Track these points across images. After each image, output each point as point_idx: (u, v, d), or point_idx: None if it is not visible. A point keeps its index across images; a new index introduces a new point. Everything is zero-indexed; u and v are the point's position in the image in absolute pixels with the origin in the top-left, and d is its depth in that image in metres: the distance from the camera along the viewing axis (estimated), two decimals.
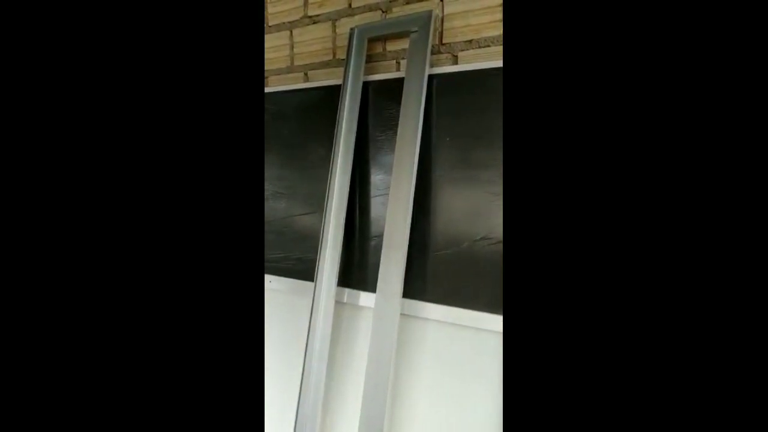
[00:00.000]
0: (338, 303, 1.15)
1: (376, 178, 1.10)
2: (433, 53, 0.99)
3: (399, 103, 1.00)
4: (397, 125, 1.00)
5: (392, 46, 1.08)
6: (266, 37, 1.27)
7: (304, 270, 1.22)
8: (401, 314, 0.99)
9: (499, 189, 0.92)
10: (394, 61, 1.08)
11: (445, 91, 0.98)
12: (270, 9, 1.25)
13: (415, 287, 1.01)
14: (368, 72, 1.10)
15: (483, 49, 0.95)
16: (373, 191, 1.10)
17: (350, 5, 1.12)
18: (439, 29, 0.99)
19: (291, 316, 1.28)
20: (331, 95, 1.13)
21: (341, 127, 1.09)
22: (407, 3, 1.03)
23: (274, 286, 1.29)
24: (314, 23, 1.18)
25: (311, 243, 1.20)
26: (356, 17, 1.11)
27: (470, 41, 0.96)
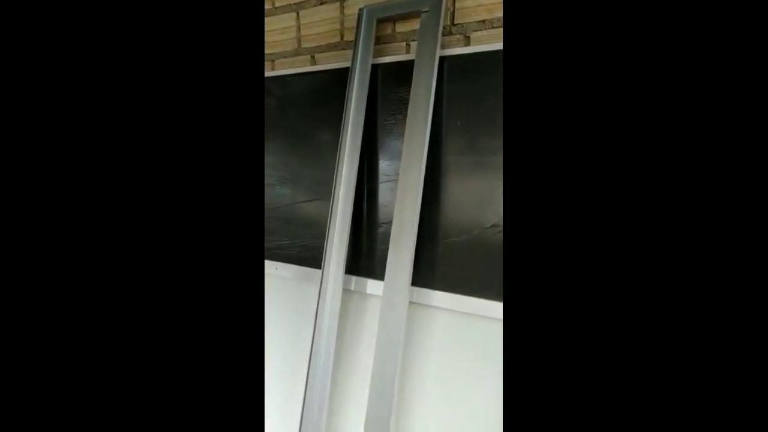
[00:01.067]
0: (346, 291, 1.13)
1: (384, 163, 1.08)
2: (444, 34, 0.96)
3: (409, 86, 0.97)
4: (406, 109, 0.97)
5: (402, 27, 1.04)
6: (272, 19, 1.24)
7: (312, 257, 1.20)
8: (410, 302, 0.97)
9: None
10: (404, 42, 1.04)
11: (457, 74, 0.95)
12: None
13: (425, 275, 1.00)
14: (377, 54, 1.07)
15: (496, 29, 0.91)
16: (381, 177, 1.08)
17: None
18: (451, 9, 0.96)
19: (298, 303, 1.27)
20: (339, 78, 1.11)
21: (349, 111, 1.06)
22: None
23: (281, 273, 1.28)
24: (321, 4, 1.15)
25: (318, 229, 1.18)
26: None
27: (483, 21, 0.92)
